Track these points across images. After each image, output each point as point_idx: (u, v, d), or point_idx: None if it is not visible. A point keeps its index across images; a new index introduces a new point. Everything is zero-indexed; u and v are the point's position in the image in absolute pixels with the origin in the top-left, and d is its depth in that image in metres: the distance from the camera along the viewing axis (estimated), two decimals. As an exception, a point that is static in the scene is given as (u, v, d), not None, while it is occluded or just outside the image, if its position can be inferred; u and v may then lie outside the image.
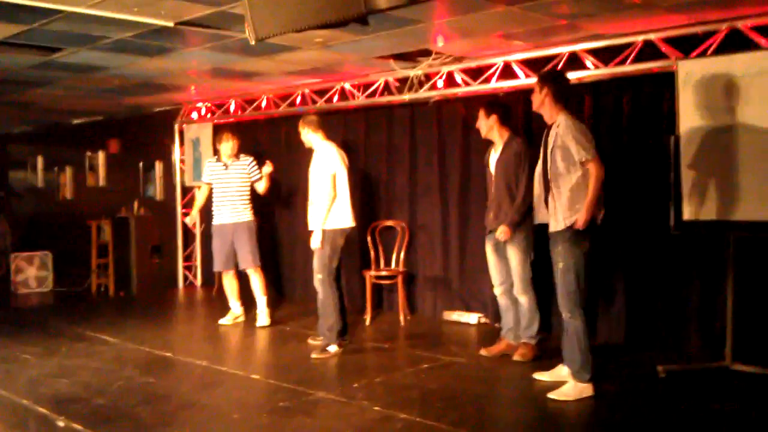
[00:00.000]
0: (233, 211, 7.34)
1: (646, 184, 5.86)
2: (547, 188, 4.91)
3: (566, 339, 4.92)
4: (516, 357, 5.70)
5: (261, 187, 7.46)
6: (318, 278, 6.10)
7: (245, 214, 7.36)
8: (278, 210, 8.94)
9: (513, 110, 6.75)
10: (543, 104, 4.96)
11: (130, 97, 9.37)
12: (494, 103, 5.96)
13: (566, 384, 4.83)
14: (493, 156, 5.85)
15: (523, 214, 5.59)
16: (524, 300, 5.72)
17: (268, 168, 7.37)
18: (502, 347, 5.90)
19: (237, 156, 7.42)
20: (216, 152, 7.55)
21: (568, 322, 4.84)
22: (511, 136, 5.83)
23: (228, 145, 7.35)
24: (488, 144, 6.00)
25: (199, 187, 8.18)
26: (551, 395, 4.77)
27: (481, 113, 5.85)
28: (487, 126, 5.81)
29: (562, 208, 4.77)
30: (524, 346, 5.75)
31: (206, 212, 7.93)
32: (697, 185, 5.18)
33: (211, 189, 7.51)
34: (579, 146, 4.72)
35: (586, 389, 4.77)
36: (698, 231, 5.32)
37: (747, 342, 5.35)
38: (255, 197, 7.52)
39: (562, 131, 4.80)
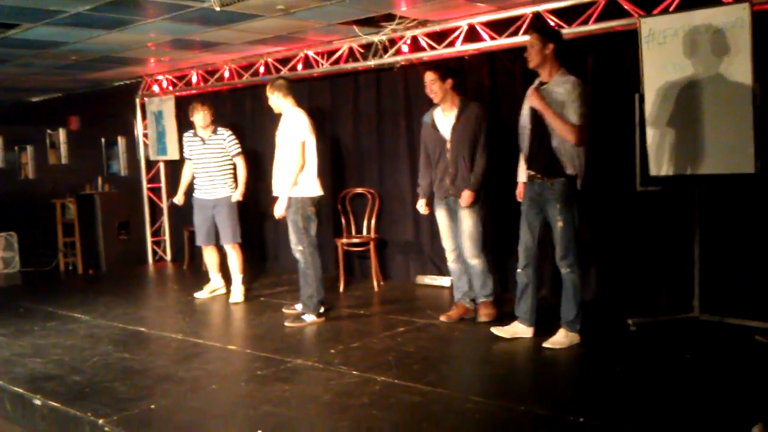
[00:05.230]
0: (212, 186, 7.19)
1: (612, 142, 5.92)
2: (543, 145, 4.92)
3: (562, 292, 5.06)
4: (482, 318, 5.78)
5: (240, 166, 7.29)
6: (299, 249, 6.08)
7: (224, 189, 7.20)
8: (247, 182, 8.87)
9: (480, 72, 6.79)
10: (545, 60, 4.92)
11: (90, 72, 9.18)
12: (449, 68, 5.87)
13: (558, 333, 5.01)
14: (445, 121, 5.76)
15: (484, 177, 5.64)
16: (476, 263, 5.75)
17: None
18: (461, 311, 5.97)
19: (214, 130, 7.25)
20: (191, 125, 7.36)
21: (567, 276, 4.97)
22: (464, 100, 5.79)
23: (200, 116, 7.14)
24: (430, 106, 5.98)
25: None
26: (545, 344, 4.94)
27: (436, 76, 5.67)
28: (443, 90, 5.72)
29: (568, 164, 4.84)
30: (485, 305, 5.82)
31: (174, 186, 7.79)
32: (662, 141, 5.25)
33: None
34: (580, 111, 4.78)
35: (575, 338, 4.99)
36: (664, 186, 5.41)
37: (714, 293, 5.49)
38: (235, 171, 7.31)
39: (570, 88, 4.81)
